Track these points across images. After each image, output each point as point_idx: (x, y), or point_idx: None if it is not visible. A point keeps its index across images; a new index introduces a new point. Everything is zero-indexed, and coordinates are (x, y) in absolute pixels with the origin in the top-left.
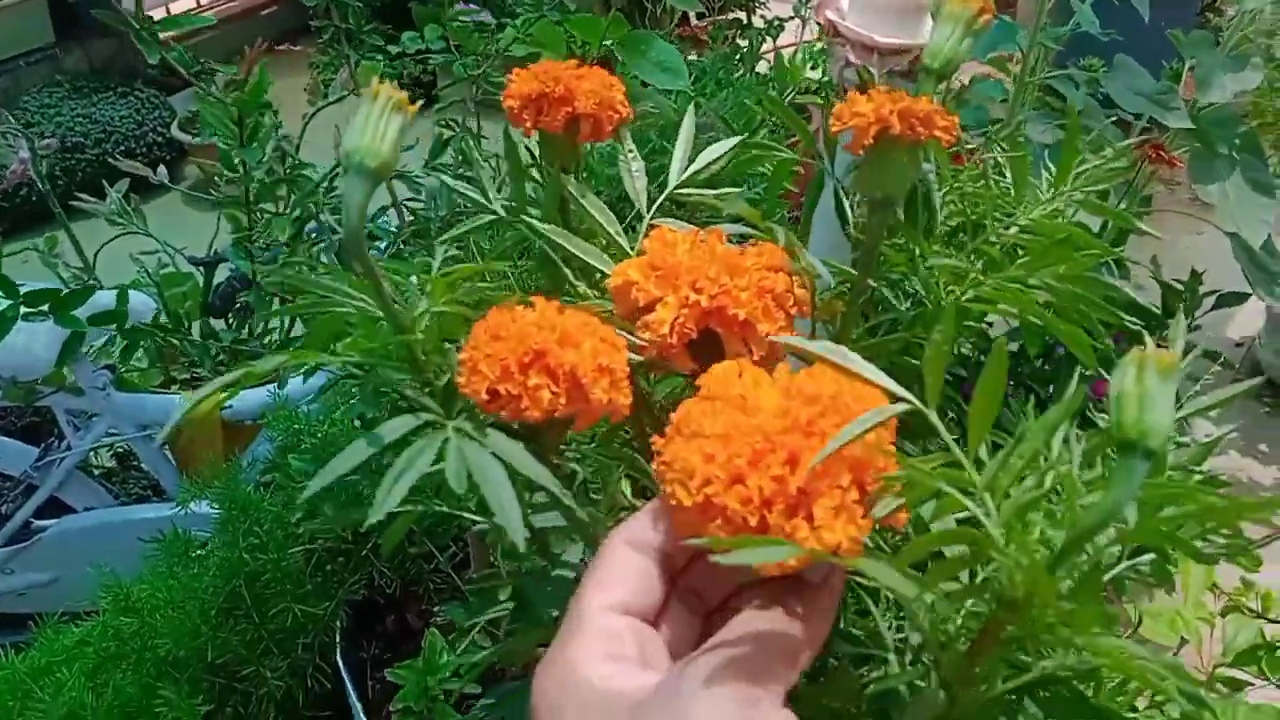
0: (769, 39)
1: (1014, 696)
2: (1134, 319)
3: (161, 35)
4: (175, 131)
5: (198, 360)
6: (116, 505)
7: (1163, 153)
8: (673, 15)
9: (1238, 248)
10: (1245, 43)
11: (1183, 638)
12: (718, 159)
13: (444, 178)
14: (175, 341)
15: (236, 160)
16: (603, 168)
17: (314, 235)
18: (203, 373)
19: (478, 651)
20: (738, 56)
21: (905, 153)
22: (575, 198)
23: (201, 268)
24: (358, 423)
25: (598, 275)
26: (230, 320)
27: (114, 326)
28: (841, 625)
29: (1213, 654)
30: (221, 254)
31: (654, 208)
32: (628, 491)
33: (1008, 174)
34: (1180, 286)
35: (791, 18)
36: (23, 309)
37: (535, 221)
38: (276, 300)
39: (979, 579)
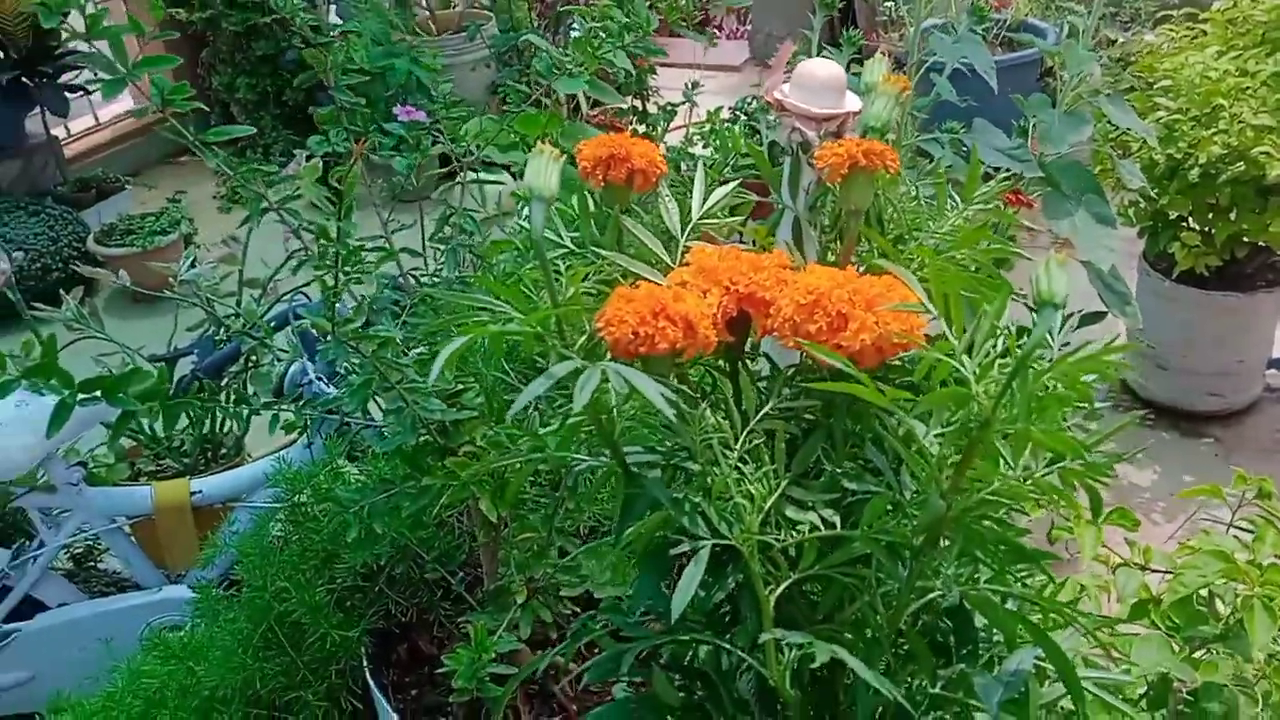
0: (666, 120)
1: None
2: None
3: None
4: (91, 245)
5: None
6: (89, 600)
7: (1021, 196)
8: (576, 107)
9: (1091, 274)
10: (1078, 100)
11: (1080, 589)
12: (723, 198)
13: (528, 231)
14: (203, 409)
15: (333, 231)
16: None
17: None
18: (170, 462)
19: (509, 642)
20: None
21: (866, 178)
22: (631, 230)
23: (163, 364)
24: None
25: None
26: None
27: (158, 402)
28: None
29: (1113, 614)
30: (182, 349)
31: (685, 232)
32: (710, 414)
33: (927, 198)
34: None
35: (682, 103)
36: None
37: (603, 250)
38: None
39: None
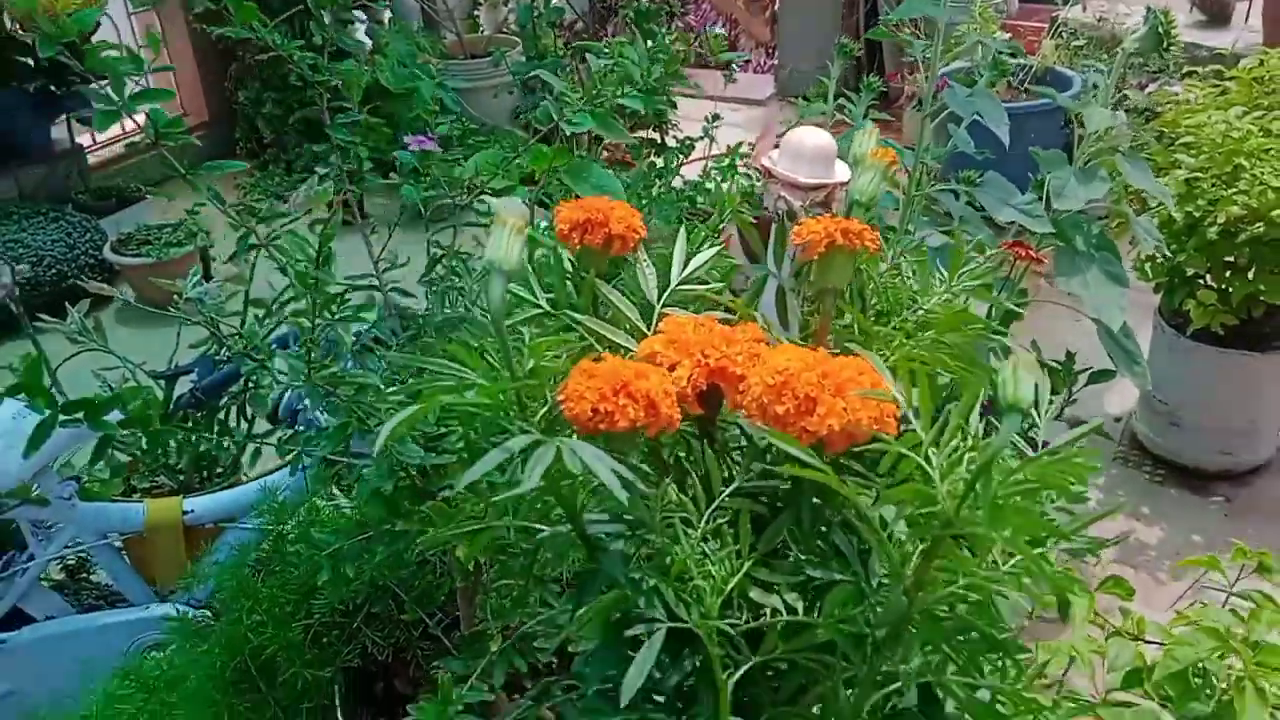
0: (682, 156)
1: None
2: None
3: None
4: (107, 253)
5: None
6: (75, 614)
7: (1030, 251)
8: (597, 141)
9: (1102, 332)
10: (1103, 154)
11: (1071, 656)
12: (704, 263)
13: (500, 285)
14: (190, 439)
15: (310, 278)
16: None
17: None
18: (165, 479)
19: (479, 693)
20: (654, 174)
21: (846, 256)
22: (605, 295)
23: (162, 381)
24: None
25: (623, 352)
26: (196, 427)
27: (141, 428)
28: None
29: (1104, 682)
30: (182, 367)
31: (662, 300)
32: (674, 492)
33: (912, 274)
34: (1059, 366)
35: (700, 138)
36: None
37: (575, 314)
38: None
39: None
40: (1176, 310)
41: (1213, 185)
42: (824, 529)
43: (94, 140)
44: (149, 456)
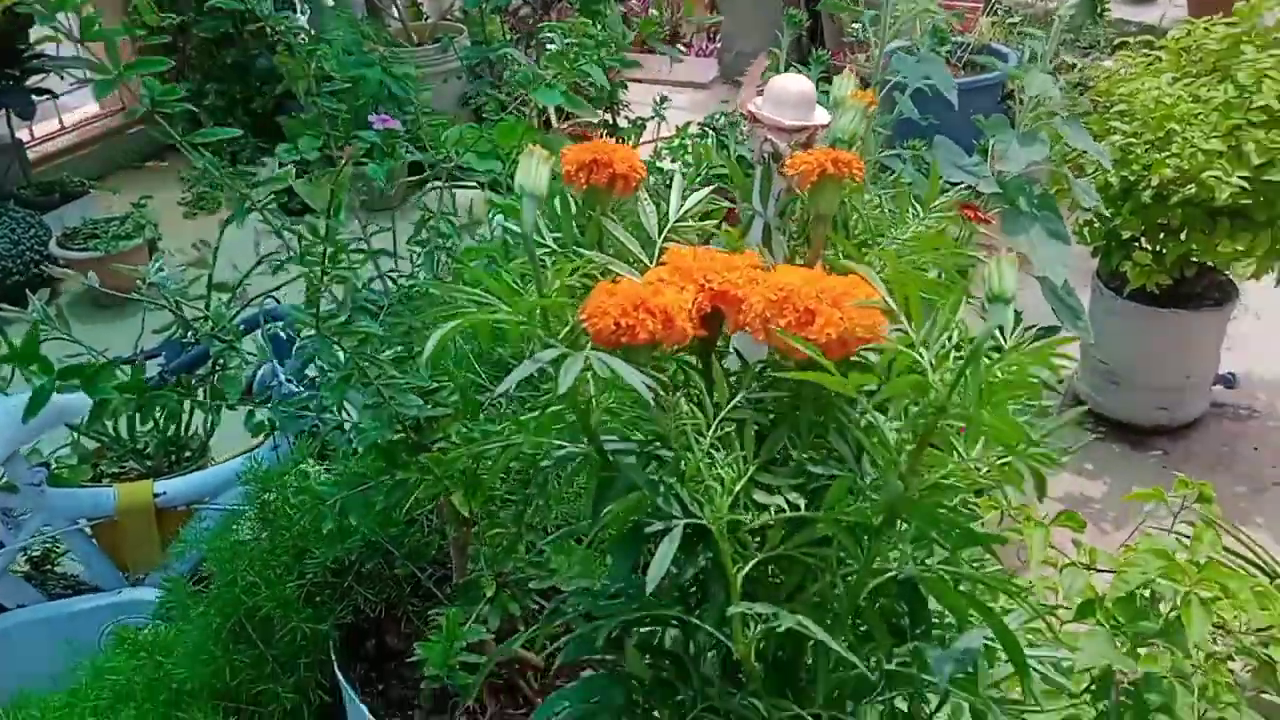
0: (632, 137)
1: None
2: None
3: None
4: (53, 247)
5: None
6: (47, 601)
7: (977, 212)
8: (548, 120)
9: (1046, 289)
10: (1037, 121)
11: (1030, 583)
12: (699, 203)
13: (510, 231)
14: (179, 403)
15: (323, 227)
16: None
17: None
18: (134, 464)
19: (478, 632)
20: None
21: (835, 186)
22: (610, 231)
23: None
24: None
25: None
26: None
27: (135, 394)
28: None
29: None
30: (148, 351)
31: (662, 234)
32: (684, 402)
33: (887, 207)
34: None
35: (652, 117)
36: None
37: (583, 250)
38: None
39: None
40: (1114, 272)
41: (1146, 150)
42: (820, 436)
43: (32, 135)
44: (119, 442)
